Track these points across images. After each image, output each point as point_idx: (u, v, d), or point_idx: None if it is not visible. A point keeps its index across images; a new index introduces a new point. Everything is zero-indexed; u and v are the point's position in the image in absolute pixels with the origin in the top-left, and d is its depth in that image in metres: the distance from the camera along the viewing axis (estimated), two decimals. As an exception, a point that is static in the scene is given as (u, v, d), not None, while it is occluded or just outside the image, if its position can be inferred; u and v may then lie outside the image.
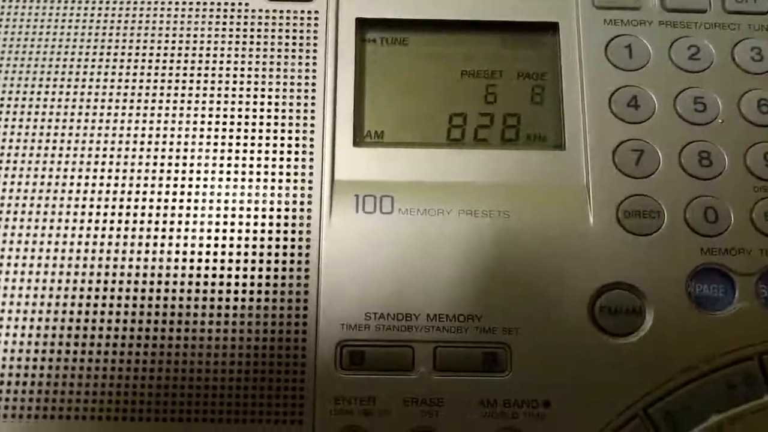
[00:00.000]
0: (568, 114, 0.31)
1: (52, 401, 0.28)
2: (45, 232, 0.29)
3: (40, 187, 0.30)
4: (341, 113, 0.31)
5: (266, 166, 0.30)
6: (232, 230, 0.29)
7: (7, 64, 0.31)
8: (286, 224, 0.29)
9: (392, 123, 0.31)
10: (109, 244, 0.29)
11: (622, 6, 0.32)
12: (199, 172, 0.30)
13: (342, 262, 0.29)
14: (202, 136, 0.30)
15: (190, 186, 0.30)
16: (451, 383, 0.28)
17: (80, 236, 0.29)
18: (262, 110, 0.30)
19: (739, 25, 0.32)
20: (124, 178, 0.30)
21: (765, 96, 0.31)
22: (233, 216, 0.29)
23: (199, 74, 0.31)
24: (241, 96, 0.31)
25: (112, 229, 0.29)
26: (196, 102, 0.31)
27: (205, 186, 0.30)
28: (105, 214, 0.29)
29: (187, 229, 0.29)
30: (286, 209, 0.29)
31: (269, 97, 0.31)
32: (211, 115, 0.30)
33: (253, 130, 0.30)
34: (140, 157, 0.30)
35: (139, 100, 0.31)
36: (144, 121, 0.30)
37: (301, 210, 0.29)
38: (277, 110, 0.31)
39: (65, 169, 0.30)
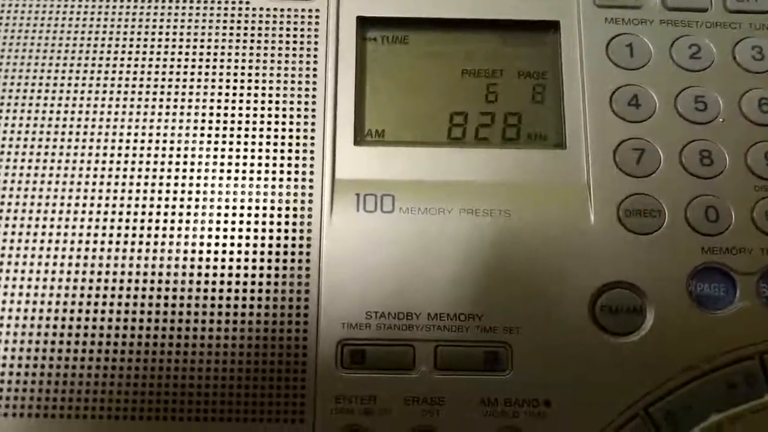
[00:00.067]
0: (569, 113, 0.31)
1: (52, 400, 0.28)
2: (46, 234, 0.29)
3: (41, 190, 0.29)
4: (342, 112, 0.31)
5: (267, 165, 0.30)
6: (233, 229, 0.29)
7: (7, 66, 0.31)
8: (287, 223, 0.29)
9: (393, 122, 0.31)
10: (110, 242, 0.29)
11: (623, 5, 0.32)
12: (200, 171, 0.30)
13: (343, 260, 0.29)
14: (202, 135, 0.30)
15: (191, 185, 0.30)
16: (452, 382, 0.28)
17: (82, 237, 0.29)
18: (262, 109, 0.30)
19: (740, 24, 0.32)
20: (124, 177, 0.30)
21: (766, 95, 0.31)
22: (234, 215, 0.29)
23: (200, 73, 0.31)
24: (241, 95, 0.31)
25: (113, 228, 0.29)
26: (197, 101, 0.31)
27: (206, 185, 0.30)
28: (106, 213, 0.29)
29: (188, 228, 0.29)
30: (287, 208, 0.29)
31: (270, 96, 0.31)
32: (211, 114, 0.30)
33: (254, 129, 0.30)
34: (140, 156, 0.30)
35: (139, 99, 0.31)
36: (145, 120, 0.30)
37: (302, 209, 0.29)
38: (277, 109, 0.30)
39: (66, 172, 0.30)
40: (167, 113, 0.30)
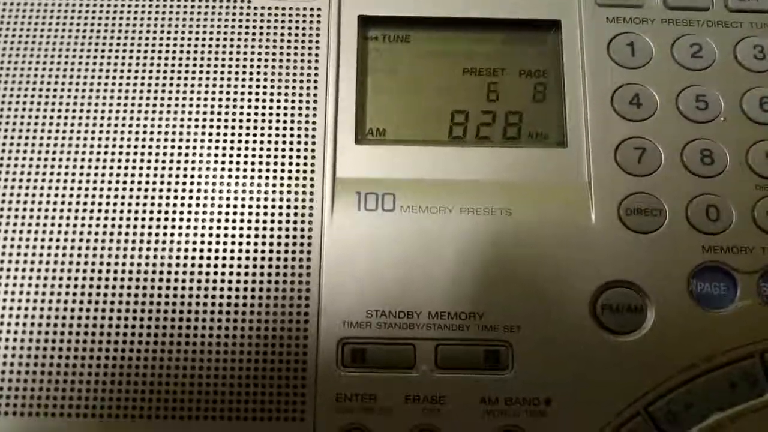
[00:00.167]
0: (570, 112, 0.31)
1: (53, 399, 0.28)
2: (47, 234, 0.29)
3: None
4: (343, 111, 0.31)
5: (268, 164, 0.30)
6: (234, 227, 0.29)
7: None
8: (288, 222, 0.29)
9: (394, 121, 0.31)
10: (111, 240, 0.29)
11: (624, 4, 0.32)
12: (201, 170, 0.30)
13: (343, 259, 0.29)
14: (204, 135, 0.30)
15: (192, 184, 0.30)
16: (453, 381, 0.28)
17: (83, 237, 0.29)
18: (264, 108, 0.30)
19: (742, 23, 0.32)
20: (126, 175, 0.30)
21: (767, 94, 0.31)
22: (235, 213, 0.29)
23: (201, 72, 0.31)
24: (242, 94, 0.31)
25: (114, 225, 0.29)
26: (198, 100, 0.31)
27: (207, 183, 0.30)
28: (107, 212, 0.29)
29: (189, 227, 0.29)
30: (288, 207, 0.29)
31: (271, 94, 0.31)
32: (212, 113, 0.30)
33: (255, 128, 0.30)
34: (141, 155, 0.30)
35: (141, 99, 0.31)
36: (146, 120, 0.30)
37: (303, 207, 0.29)
38: (279, 107, 0.31)
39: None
40: (168, 113, 0.30)
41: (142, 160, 0.30)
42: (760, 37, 0.32)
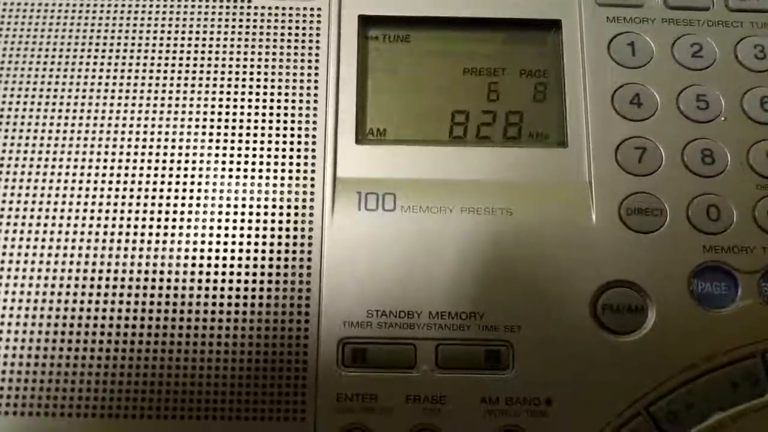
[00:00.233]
0: (571, 111, 0.31)
1: (53, 398, 0.28)
2: (47, 234, 0.29)
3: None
4: (343, 111, 0.31)
5: (269, 164, 0.30)
6: (235, 227, 0.29)
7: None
8: (288, 221, 0.29)
9: (394, 120, 0.31)
10: (112, 240, 0.29)
11: (624, 3, 0.32)
12: (201, 170, 0.30)
13: (344, 259, 0.29)
14: (204, 135, 0.30)
15: (192, 183, 0.30)
16: (454, 381, 0.28)
17: (84, 237, 0.29)
18: (264, 108, 0.30)
19: (742, 22, 0.32)
20: (126, 175, 0.30)
21: (767, 93, 0.31)
22: (236, 213, 0.29)
23: (201, 72, 0.31)
24: (243, 94, 0.31)
25: (115, 225, 0.29)
26: (198, 101, 0.31)
27: (207, 183, 0.30)
28: (108, 212, 0.29)
29: (189, 227, 0.29)
30: (289, 207, 0.29)
31: (272, 94, 0.31)
32: (213, 113, 0.30)
33: (256, 128, 0.30)
34: (142, 154, 0.30)
35: (141, 99, 0.31)
36: (146, 120, 0.30)
37: (304, 207, 0.29)
38: (279, 108, 0.31)
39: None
40: (168, 114, 0.30)
41: (142, 161, 0.30)
42: (761, 36, 0.32)
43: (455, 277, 0.29)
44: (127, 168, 0.30)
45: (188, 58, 0.31)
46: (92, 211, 0.29)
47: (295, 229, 0.29)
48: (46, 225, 0.29)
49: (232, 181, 0.30)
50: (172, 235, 0.29)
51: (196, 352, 0.28)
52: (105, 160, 0.30)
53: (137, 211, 0.29)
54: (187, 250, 0.29)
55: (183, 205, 0.29)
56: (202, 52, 0.31)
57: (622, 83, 0.31)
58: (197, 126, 0.30)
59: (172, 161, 0.30)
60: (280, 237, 0.29)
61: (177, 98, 0.31)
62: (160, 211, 0.29)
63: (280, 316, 0.28)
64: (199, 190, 0.30)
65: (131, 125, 0.30)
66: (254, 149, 0.30)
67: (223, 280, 0.29)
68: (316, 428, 0.28)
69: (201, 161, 0.30)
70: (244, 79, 0.31)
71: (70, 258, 0.29)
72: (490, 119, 0.31)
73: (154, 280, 0.29)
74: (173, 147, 0.30)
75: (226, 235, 0.29)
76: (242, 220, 0.29)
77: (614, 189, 0.30)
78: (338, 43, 0.31)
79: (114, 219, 0.29)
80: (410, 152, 0.30)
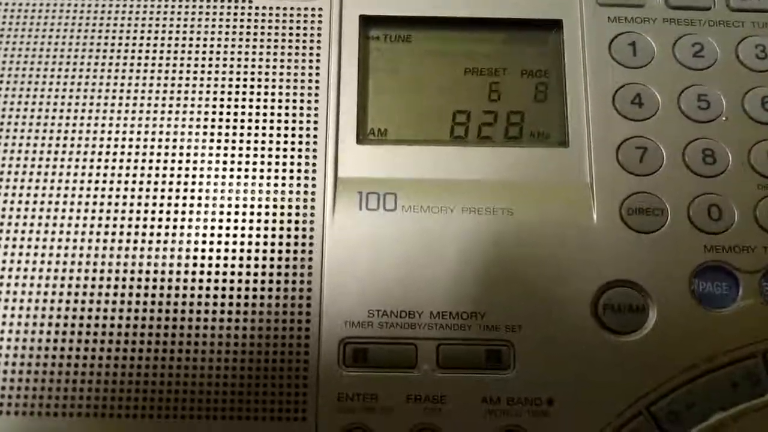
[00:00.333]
0: (572, 111, 0.31)
1: (54, 398, 0.28)
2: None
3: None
4: (345, 111, 0.31)
5: (269, 164, 0.30)
6: (236, 227, 0.29)
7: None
8: (289, 221, 0.29)
9: (396, 120, 0.31)
10: (113, 240, 0.29)
11: (625, 3, 0.32)
12: (202, 169, 0.30)
13: (345, 259, 0.29)
14: (205, 135, 0.30)
15: (193, 184, 0.30)
16: (455, 381, 0.28)
17: (84, 237, 0.29)
18: (265, 108, 0.30)
19: (744, 22, 0.32)
20: (126, 176, 0.30)
21: (769, 93, 0.31)
22: (236, 213, 0.29)
23: (202, 72, 0.31)
24: (244, 94, 0.31)
25: (116, 226, 0.29)
26: (199, 100, 0.31)
27: (208, 183, 0.30)
28: (109, 212, 0.29)
29: (190, 226, 0.29)
30: (290, 206, 0.29)
31: (272, 94, 0.31)
32: (214, 113, 0.30)
33: (257, 128, 0.30)
34: (143, 154, 0.30)
35: (141, 98, 0.31)
36: (147, 120, 0.30)
37: (305, 207, 0.29)
38: (280, 107, 0.31)
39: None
40: (169, 114, 0.30)
41: (142, 161, 0.30)
42: (762, 36, 0.32)
43: (456, 277, 0.29)
44: (127, 168, 0.30)
45: (189, 59, 0.31)
46: (92, 211, 0.29)
47: (297, 228, 0.29)
48: (46, 225, 0.29)
49: (234, 181, 0.30)
50: (173, 235, 0.29)
51: (197, 352, 0.28)
52: (105, 160, 0.30)
53: (137, 211, 0.29)
54: (188, 250, 0.29)
55: (183, 205, 0.29)
56: (203, 52, 0.31)
57: (623, 83, 0.31)
58: (198, 126, 0.30)
59: (172, 161, 0.30)
60: (281, 237, 0.29)
61: (177, 98, 0.31)
62: (160, 211, 0.29)
63: (281, 315, 0.28)
64: (200, 190, 0.30)
65: (131, 125, 0.30)
66: (255, 149, 0.30)
67: (224, 280, 0.29)
68: (317, 428, 0.28)
69: (201, 161, 0.30)
70: (245, 79, 0.31)
71: (71, 258, 0.29)
72: (492, 119, 0.31)
73: (154, 280, 0.29)
74: (173, 147, 0.30)
75: (227, 235, 0.29)
76: (244, 220, 0.29)
77: (615, 189, 0.30)
78: (339, 43, 0.31)
79: (114, 219, 0.29)
80: (411, 152, 0.30)
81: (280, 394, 0.28)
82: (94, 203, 0.29)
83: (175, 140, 0.30)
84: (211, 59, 0.31)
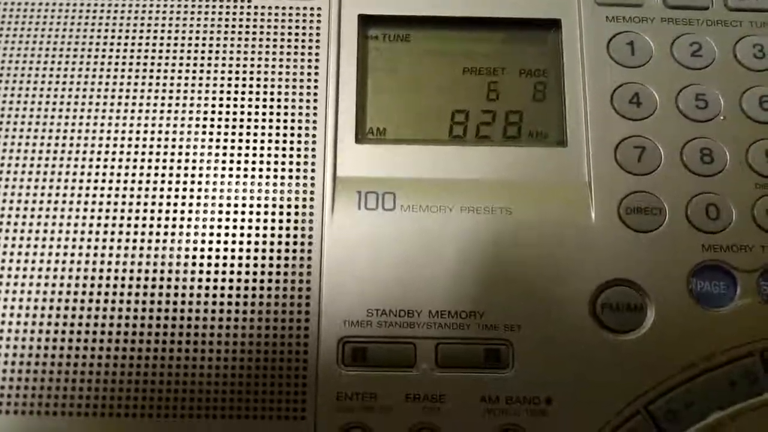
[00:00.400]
0: (570, 111, 0.31)
1: (54, 397, 0.28)
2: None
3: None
4: (343, 110, 0.31)
5: (269, 163, 0.30)
6: (235, 227, 0.29)
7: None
8: (288, 221, 0.29)
9: (394, 120, 0.31)
10: (113, 240, 0.29)
11: (624, 3, 0.32)
12: (201, 168, 0.30)
13: (344, 258, 0.29)
14: (204, 134, 0.30)
15: (192, 183, 0.30)
16: (453, 380, 0.28)
17: (84, 236, 0.29)
18: (264, 107, 0.31)
19: (741, 22, 0.32)
20: (126, 176, 0.30)
21: (766, 93, 0.31)
22: (236, 212, 0.29)
23: (202, 72, 0.31)
24: (243, 93, 0.31)
25: (115, 226, 0.29)
26: (199, 100, 0.31)
27: (207, 182, 0.30)
28: (108, 212, 0.29)
29: (189, 226, 0.29)
30: (289, 205, 0.30)
31: (272, 94, 0.31)
32: (213, 113, 0.30)
33: (256, 127, 0.30)
34: (142, 154, 0.30)
35: (141, 99, 0.31)
36: (146, 120, 0.30)
37: (304, 206, 0.30)
38: (279, 107, 0.31)
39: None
40: (168, 114, 0.30)
41: (142, 161, 0.30)
42: (760, 36, 0.32)
43: (455, 276, 0.29)
44: (127, 168, 0.30)
45: (188, 59, 0.31)
46: (93, 211, 0.29)
47: (295, 228, 0.29)
48: (46, 225, 0.29)
49: (233, 181, 0.30)
50: (173, 234, 0.29)
51: (197, 352, 0.28)
52: (105, 161, 0.30)
53: (137, 211, 0.29)
54: (187, 249, 0.29)
55: (183, 205, 0.29)
56: (202, 52, 0.31)
57: (622, 82, 0.31)
58: (197, 126, 0.30)
59: (172, 161, 0.30)
60: (280, 236, 0.29)
61: (177, 98, 0.31)
62: (160, 211, 0.29)
63: (280, 315, 0.29)
64: (199, 190, 0.30)
65: (131, 125, 0.30)
66: (254, 149, 0.30)
67: (223, 280, 0.29)
68: (316, 427, 0.28)
69: (201, 161, 0.30)
70: (244, 79, 0.31)
71: (71, 258, 0.29)
72: (490, 118, 0.31)
73: (154, 279, 0.29)
74: (173, 147, 0.30)
75: (226, 235, 0.29)
76: (242, 220, 0.29)
77: (613, 188, 0.30)
78: (338, 43, 0.31)
79: (114, 219, 0.29)
80: (410, 151, 0.30)
81: (279, 393, 0.28)
82: (94, 203, 0.29)
83: (174, 140, 0.30)
84: (210, 59, 0.31)
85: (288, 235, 0.29)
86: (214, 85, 0.31)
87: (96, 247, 0.29)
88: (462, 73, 0.32)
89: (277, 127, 0.30)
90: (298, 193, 0.30)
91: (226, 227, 0.29)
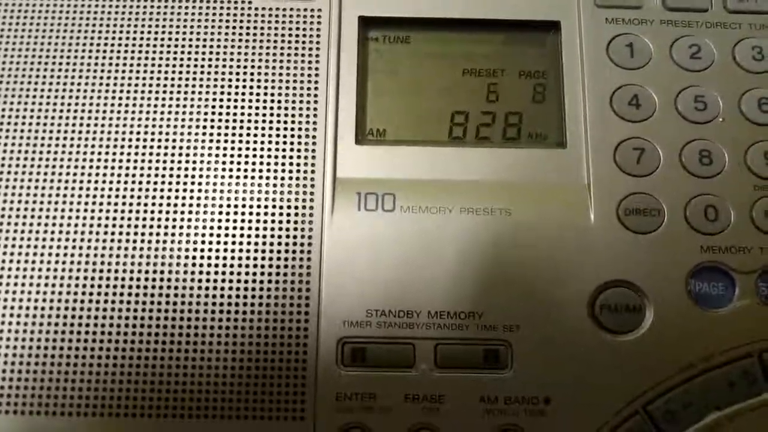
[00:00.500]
0: (570, 112, 0.31)
1: (53, 397, 0.28)
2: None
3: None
4: (343, 111, 0.31)
5: (269, 164, 0.30)
6: (235, 227, 0.29)
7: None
8: (288, 222, 0.29)
9: (394, 121, 0.31)
10: (112, 240, 0.29)
11: (623, 5, 0.32)
12: (201, 170, 0.30)
13: (343, 259, 0.29)
14: (204, 135, 0.30)
15: (192, 184, 0.30)
16: (452, 380, 0.28)
17: (84, 236, 0.29)
18: (264, 108, 0.31)
19: (740, 24, 0.32)
20: (126, 176, 0.30)
21: (765, 95, 0.31)
22: (236, 213, 0.29)
23: (202, 73, 0.31)
24: (243, 94, 0.31)
25: (115, 225, 0.29)
26: (198, 101, 0.31)
27: (207, 184, 0.30)
28: (108, 211, 0.29)
29: (189, 227, 0.29)
30: (289, 207, 0.30)
31: (272, 95, 0.31)
32: (213, 114, 0.30)
33: (256, 128, 0.30)
34: (142, 155, 0.30)
35: (141, 99, 0.31)
36: (146, 120, 0.30)
37: (303, 207, 0.30)
38: (279, 108, 0.31)
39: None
40: (168, 114, 0.30)
41: (142, 161, 0.30)
42: (759, 38, 0.32)
43: (454, 277, 0.29)
44: (127, 168, 0.30)
45: (188, 59, 0.31)
46: (92, 210, 0.29)
47: (295, 229, 0.29)
48: (46, 225, 0.29)
49: (232, 181, 0.30)
50: (173, 235, 0.29)
51: (196, 352, 0.28)
52: (105, 160, 0.30)
53: (137, 211, 0.29)
54: (187, 250, 0.29)
55: (183, 205, 0.30)
56: (203, 52, 0.31)
57: (621, 84, 0.31)
58: (197, 126, 0.30)
59: (172, 161, 0.30)
60: (280, 237, 0.29)
61: (177, 98, 0.31)
62: (160, 211, 0.29)
63: (279, 315, 0.29)
64: (199, 190, 0.30)
65: (131, 125, 0.30)
66: (254, 149, 0.30)
67: (223, 280, 0.29)
68: (316, 427, 0.28)
69: (201, 161, 0.30)
70: (244, 80, 0.31)
71: (71, 258, 0.29)
72: (490, 120, 0.31)
73: (154, 280, 0.29)
74: (173, 147, 0.30)
75: (226, 235, 0.29)
76: (242, 220, 0.29)
77: (612, 189, 0.30)
78: (338, 44, 0.31)
79: (114, 219, 0.29)
80: (410, 153, 0.30)
81: (278, 393, 0.28)
82: (94, 203, 0.29)
83: (174, 140, 0.30)
84: (210, 59, 0.31)
85: (288, 236, 0.29)
86: (214, 85, 0.31)
87: (96, 248, 0.29)
88: (462, 75, 0.32)
89: (278, 128, 0.30)
90: (298, 194, 0.30)
91: (226, 228, 0.29)
